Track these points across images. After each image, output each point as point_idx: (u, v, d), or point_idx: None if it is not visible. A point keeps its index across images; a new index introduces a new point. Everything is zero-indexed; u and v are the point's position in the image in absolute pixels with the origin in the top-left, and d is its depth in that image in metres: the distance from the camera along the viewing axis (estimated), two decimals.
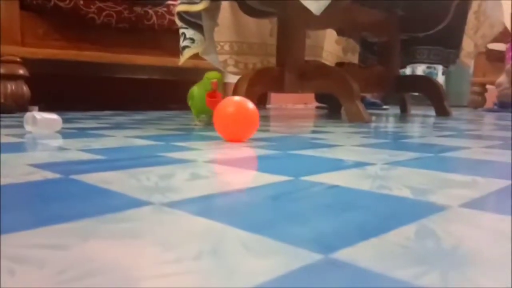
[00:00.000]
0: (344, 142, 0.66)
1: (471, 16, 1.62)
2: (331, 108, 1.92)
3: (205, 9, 1.16)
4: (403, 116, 1.60)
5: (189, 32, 1.22)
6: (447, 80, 3.24)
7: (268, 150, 0.55)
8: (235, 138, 0.64)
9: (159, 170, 0.39)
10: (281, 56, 1.30)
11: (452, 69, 2.48)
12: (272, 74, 1.28)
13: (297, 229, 0.22)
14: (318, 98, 2.17)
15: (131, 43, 1.61)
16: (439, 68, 3.21)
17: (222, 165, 0.42)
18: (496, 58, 2.43)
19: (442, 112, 1.55)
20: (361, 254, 0.19)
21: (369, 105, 2.28)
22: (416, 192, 0.31)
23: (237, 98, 0.64)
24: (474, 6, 1.60)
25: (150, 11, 1.58)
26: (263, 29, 1.64)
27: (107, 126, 0.90)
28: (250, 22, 1.62)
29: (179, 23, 1.23)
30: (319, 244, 0.20)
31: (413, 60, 1.87)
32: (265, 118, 1.33)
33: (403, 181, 0.36)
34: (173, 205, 0.27)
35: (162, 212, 0.25)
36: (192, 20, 1.19)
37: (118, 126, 0.89)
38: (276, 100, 3.06)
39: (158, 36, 1.67)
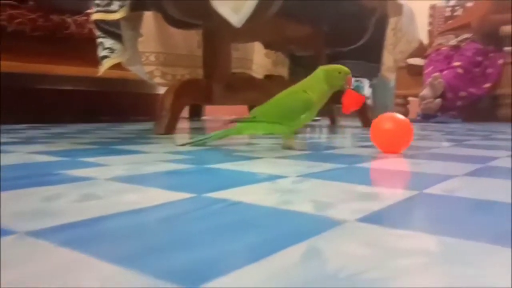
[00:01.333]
0: (267, 154, 0.64)
1: (390, 33, 1.71)
2: None
3: (125, 19, 1.11)
4: (331, 127, 1.65)
5: (108, 42, 1.17)
6: (373, 92, 3.41)
7: (183, 164, 0.52)
8: (392, 150, 0.67)
9: (46, 191, 0.35)
10: (208, 68, 1.28)
11: (374, 82, 2.59)
12: (199, 86, 1.25)
13: (174, 258, 0.20)
14: (251, 109, 2.18)
15: (50, 53, 1.51)
16: (366, 81, 3.37)
17: (124, 183, 0.39)
18: (416, 72, 2.59)
19: (367, 123, 1.62)
20: (235, 284, 0.17)
21: None
22: (318, 207, 0.30)
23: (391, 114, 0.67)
24: (392, 23, 1.69)
25: (69, 20, 1.50)
26: (191, 40, 1.61)
27: (15, 141, 0.82)
28: (177, 33, 1.59)
29: (96, 32, 1.17)
30: (190, 274, 0.18)
31: None
32: (196, 130, 1.29)
33: (310, 194, 0.35)
34: (39, 234, 0.23)
35: (22, 243, 0.22)
36: (110, 30, 1.14)
37: (27, 141, 0.82)
38: (211, 111, 3.03)
39: (79, 45, 1.59)
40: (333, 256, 0.20)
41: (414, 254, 0.21)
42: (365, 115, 1.63)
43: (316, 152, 0.69)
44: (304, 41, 1.63)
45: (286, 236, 0.23)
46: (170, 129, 1.10)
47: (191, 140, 0.74)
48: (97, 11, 1.12)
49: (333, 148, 0.77)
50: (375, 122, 0.68)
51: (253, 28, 1.33)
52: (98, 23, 1.15)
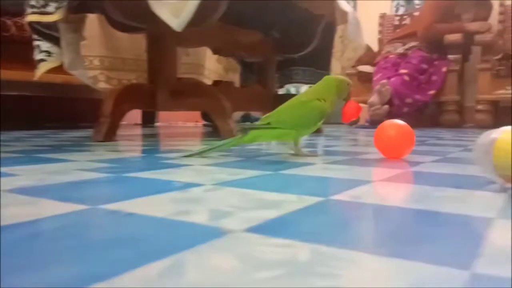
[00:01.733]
0: (197, 161, 0.63)
1: (337, 40, 1.74)
2: (215, 126, 1.91)
3: (65, 21, 1.07)
4: None
5: (45, 45, 1.12)
6: None
7: (102, 173, 0.50)
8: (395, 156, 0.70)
9: None
10: (152, 72, 1.25)
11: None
12: (143, 91, 1.23)
13: (31, 276, 0.18)
14: (203, 116, 2.16)
15: None
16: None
17: (21, 195, 0.37)
18: (366, 79, 2.66)
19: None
20: None
21: (253, 122, 2.33)
22: (213, 216, 0.30)
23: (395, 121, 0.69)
24: (339, 31, 1.72)
25: (9, 22, 1.43)
26: (139, 44, 1.58)
27: None
28: (124, 36, 1.55)
29: (32, 34, 1.12)
30: None
31: (290, 80, 1.96)
32: (144, 137, 1.26)
33: (213, 204, 0.34)
34: None
35: None
36: (46, 32, 1.09)
37: None
38: (166, 118, 2.98)
39: (20, 48, 1.52)
40: (194, 270, 0.19)
41: (278, 265, 0.20)
42: None
43: (247, 159, 0.69)
44: (254, 48, 1.63)
45: (158, 249, 0.22)
46: (109, 136, 1.06)
47: (199, 151, 0.69)
48: (32, 13, 1.07)
49: (267, 154, 0.77)
50: (378, 129, 0.70)
51: (199, 33, 1.33)
52: (33, 25, 1.10)
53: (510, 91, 2.32)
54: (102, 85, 1.50)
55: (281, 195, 0.38)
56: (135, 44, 1.58)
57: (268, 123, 0.70)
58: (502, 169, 0.46)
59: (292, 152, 0.74)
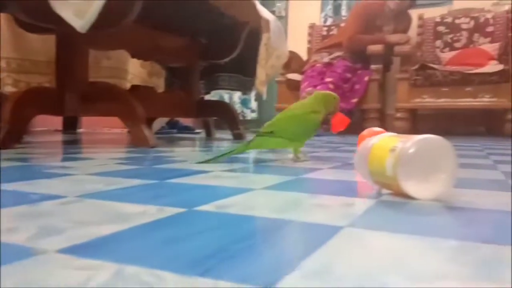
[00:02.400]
0: (89, 171, 0.59)
1: (262, 48, 1.76)
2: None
3: None
4: (204, 140, 1.63)
5: None
6: (259, 106, 3.51)
7: None
8: None
9: None
10: (61, 75, 1.18)
11: (247, 95, 2.67)
12: (48, 95, 1.15)
13: None
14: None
15: None
16: (252, 94, 3.45)
17: None
18: (295, 87, 2.71)
19: (237, 136, 1.64)
20: None
21: (181, 129, 2.29)
22: (38, 235, 0.27)
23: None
24: (264, 38, 1.74)
25: None
26: (51, 46, 1.48)
27: None
28: (35, 38, 1.45)
29: None
30: None
31: (216, 86, 1.95)
32: (47, 145, 1.18)
33: (54, 219, 0.31)
34: None
35: None
36: None
37: None
38: (90, 124, 2.84)
39: None
40: None
41: None
42: (236, 128, 1.64)
43: (145, 168, 0.66)
44: (176, 52, 1.60)
45: None
46: (8, 143, 0.98)
47: (212, 157, 0.73)
48: None
49: (172, 162, 0.74)
50: (361, 136, 0.81)
51: (115, 35, 1.27)
52: None
53: (426, 100, 2.48)
54: (8, 89, 1.39)
55: (142, 207, 0.36)
56: (47, 46, 1.48)
57: (272, 132, 0.77)
58: (376, 175, 0.47)
59: (291, 157, 0.81)
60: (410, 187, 0.43)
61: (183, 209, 0.35)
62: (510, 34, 2.58)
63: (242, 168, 0.66)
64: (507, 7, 2.70)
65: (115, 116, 1.17)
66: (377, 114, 2.59)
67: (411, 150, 0.43)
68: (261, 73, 1.80)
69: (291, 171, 0.64)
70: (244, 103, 3.51)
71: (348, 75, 2.52)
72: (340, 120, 0.83)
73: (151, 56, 1.58)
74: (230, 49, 1.63)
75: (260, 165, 0.73)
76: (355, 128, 2.75)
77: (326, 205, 0.39)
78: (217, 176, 0.57)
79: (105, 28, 1.05)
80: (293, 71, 2.82)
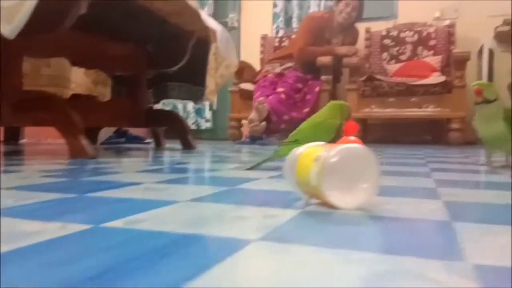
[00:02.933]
0: (9, 184, 0.55)
1: (211, 57, 1.74)
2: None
3: None
4: (152, 150, 1.59)
5: None
6: (214, 116, 3.48)
7: None
8: None
9: None
10: None
11: (199, 104, 2.64)
12: None
13: None
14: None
15: None
16: (207, 104, 3.43)
17: None
18: (248, 96, 2.72)
19: (187, 145, 1.61)
20: None
21: (131, 139, 2.23)
22: None
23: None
24: (213, 48, 1.73)
25: None
26: None
27: None
28: None
29: None
30: None
31: (165, 95, 1.91)
32: None
33: None
34: None
35: None
36: None
37: None
38: (34, 134, 2.71)
39: None
40: None
41: None
42: (185, 138, 1.62)
43: (70, 180, 0.62)
44: (121, 60, 1.56)
45: None
46: None
47: (252, 165, 0.86)
48: None
49: (103, 173, 0.71)
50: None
51: (52, 41, 1.22)
52: None
53: (374, 110, 2.55)
54: None
55: (43, 224, 0.33)
56: None
57: (296, 140, 0.83)
58: (302, 184, 0.47)
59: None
60: (333, 196, 0.42)
61: (89, 225, 0.33)
62: (451, 48, 2.72)
63: (177, 179, 0.64)
64: (447, 22, 2.85)
65: (50, 126, 1.11)
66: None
67: (333, 159, 0.43)
68: (211, 82, 1.79)
69: (227, 181, 0.62)
70: (199, 112, 3.47)
71: (299, 85, 2.55)
72: (352, 126, 0.87)
73: (93, 64, 1.53)
74: (177, 58, 1.61)
75: (200, 175, 0.71)
76: None
77: (246, 217, 0.37)
78: (147, 188, 0.55)
79: (39, 34, 1.00)
80: (246, 81, 2.82)
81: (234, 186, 0.58)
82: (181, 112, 3.50)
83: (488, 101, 0.89)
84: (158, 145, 1.83)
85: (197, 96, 1.86)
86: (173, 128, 1.65)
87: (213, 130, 3.47)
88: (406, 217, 0.39)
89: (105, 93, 1.82)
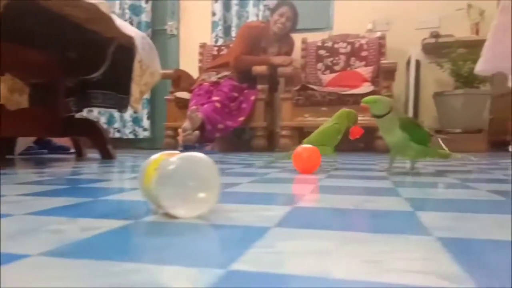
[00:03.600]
0: None
1: (136, 65, 1.70)
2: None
3: None
4: (72, 160, 1.52)
5: None
6: (152, 124, 3.41)
7: None
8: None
9: None
10: None
11: (124, 112, 2.58)
12: None
13: None
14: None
15: None
16: (144, 113, 3.35)
17: None
18: (184, 105, 2.68)
19: (106, 155, 1.55)
20: None
21: (54, 149, 2.13)
22: None
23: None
24: (138, 55, 1.69)
25: None
26: None
27: None
28: None
29: None
30: None
31: (88, 103, 1.84)
32: None
33: None
34: None
35: None
36: None
37: None
38: None
39: None
40: None
41: None
42: (104, 147, 1.56)
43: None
44: (36, 68, 1.49)
45: None
46: None
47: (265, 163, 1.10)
48: None
49: None
50: (296, 152, 0.95)
51: None
52: None
53: (308, 118, 2.60)
54: None
55: None
56: None
57: (310, 142, 1.02)
58: (148, 194, 0.46)
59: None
60: (171, 206, 0.41)
61: None
62: (381, 59, 2.83)
63: (43, 192, 0.61)
64: (379, 34, 2.97)
65: None
66: (264, 132, 2.65)
67: (170, 167, 0.41)
68: (136, 90, 1.74)
69: (97, 192, 0.60)
70: (136, 121, 3.39)
71: (235, 94, 2.56)
72: (357, 130, 1.07)
73: (4, 71, 1.45)
74: (96, 65, 1.56)
75: (79, 186, 0.68)
76: (243, 145, 2.80)
77: (62, 230, 0.35)
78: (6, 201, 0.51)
79: None
80: (183, 90, 2.79)
81: (97, 197, 0.56)
82: (117, 121, 3.40)
83: (378, 116, 0.92)
84: (80, 155, 1.76)
85: (122, 104, 1.81)
86: (91, 136, 1.60)
87: (151, 139, 3.40)
88: (241, 225, 0.38)
89: (21, 101, 1.73)
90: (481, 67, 1.54)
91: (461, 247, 0.30)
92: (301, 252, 0.29)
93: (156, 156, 0.47)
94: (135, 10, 3.38)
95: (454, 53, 2.66)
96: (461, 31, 2.87)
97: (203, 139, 2.35)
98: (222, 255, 0.29)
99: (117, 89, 1.81)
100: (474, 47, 2.40)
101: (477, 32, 2.85)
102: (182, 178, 0.42)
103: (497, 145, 2.75)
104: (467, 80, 2.63)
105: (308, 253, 0.29)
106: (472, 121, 2.65)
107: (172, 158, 0.42)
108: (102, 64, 1.56)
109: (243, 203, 0.51)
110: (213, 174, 0.43)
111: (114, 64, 1.66)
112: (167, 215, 0.42)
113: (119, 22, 1.40)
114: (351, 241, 0.32)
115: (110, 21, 1.36)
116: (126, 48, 1.61)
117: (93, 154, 1.87)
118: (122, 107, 1.82)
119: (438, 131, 2.85)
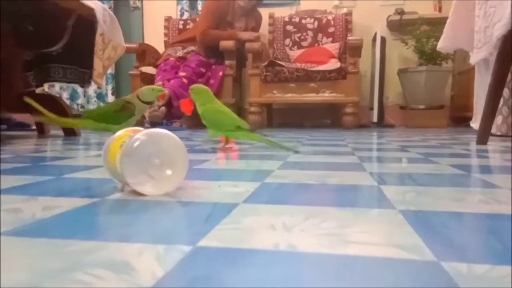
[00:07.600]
0: None
1: (98, 38, 1.64)
2: None
3: None
4: (33, 136, 1.46)
5: None
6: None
7: None
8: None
9: None
10: None
11: (87, 88, 2.50)
12: None
13: None
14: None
15: None
16: (109, 88, 3.25)
17: None
18: (149, 80, 2.62)
19: (69, 132, 1.51)
20: None
21: (15, 125, 2.05)
22: None
23: None
24: (99, 28, 1.62)
25: None
26: None
27: None
28: None
29: None
30: None
31: (48, 78, 1.77)
32: None
33: None
34: None
35: None
36: None
37: None
38: None
39: None
40: None
41: None
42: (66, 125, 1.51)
43: None
44: None
45: None
46: None
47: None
48: None
49: None
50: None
51: None
52: None
53: (276, 95, 2.60)
54: None
55: None
56: None
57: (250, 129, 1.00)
58: (113, 172, 0.45)
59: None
60: (136, 183, 0.41)
61: None
62: (348, 35, 2.84)
63: None
64: (345, 10, 2.97)
65: None
66: (233, 108, 2.63)
67: (134, 144, 0.41)
68: (98, 64, 1.68)
69: (57, 170, 0.58)
70: (101, 97, 3.29)
71: (202, 69, 2.52)
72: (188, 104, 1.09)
73: None
74: (55, 37, 1.49)
75: (38, 164, 0.66)
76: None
77: (21, 209, 0.34)
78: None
79: None
80: (148, 64, 2.72)
81: (60, 176, 0.54)
82: (81, 97, 3.29)
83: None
84: (41, 132, 1.69)
85: (84, 79, 1.75)
86: (53, 113, 1.54)
87: None
88: (209, 202, 0.38)
89: None
90: (442, 44, 1.58)
91: (421, 219, 0.32)
92: (266, 227, 0.29)
93: (121, 132, 0.46)
94: None
95: (417, 30, 2.71)
96: (425, 9, 2.92)
97: (170, 115, 2.31)
98: (190, 232, 0.28)
99: (78, 63, 1.75)
100: (437, 24, 2.45)
101: (439, 10, 2.91)
102: (147, 155, 0.41)
103: (458, 121, 2.85)
104: (430, 57, 2.69)
105: (273, 228, 0.29)
106: (434, 97, 2.73)
107: (137, 135, 0.41)
108: (61, 37, 1.49)
109: (211, 180, 0.51)
110: (179, 150, 0.43)
111: (75, 37, 1.59)
112: (134, 192, 0.41)
113: None
114: (315, 215, 0.33)
115: None
116: (87, 21, 1.54)
117: (56, 131, 1.81)
118: (84, 82, 1.76)
119: (403, 107, 2.93)
